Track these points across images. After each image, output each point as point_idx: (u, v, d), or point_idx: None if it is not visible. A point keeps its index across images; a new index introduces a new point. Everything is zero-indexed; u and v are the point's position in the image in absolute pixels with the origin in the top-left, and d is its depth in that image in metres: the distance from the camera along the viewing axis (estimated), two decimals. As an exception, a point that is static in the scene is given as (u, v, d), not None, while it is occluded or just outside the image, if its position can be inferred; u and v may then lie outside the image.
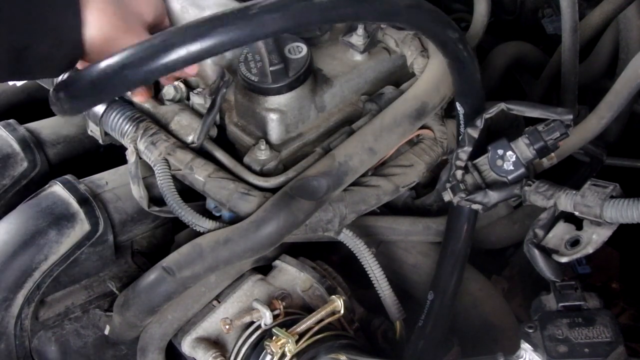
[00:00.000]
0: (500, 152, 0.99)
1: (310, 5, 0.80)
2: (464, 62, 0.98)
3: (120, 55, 0.81)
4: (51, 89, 0.89)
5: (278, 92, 1.12)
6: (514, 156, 0.98)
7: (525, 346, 0.89)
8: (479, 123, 1.01)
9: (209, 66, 1.23)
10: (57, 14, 0.86)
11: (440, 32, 0.93)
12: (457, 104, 1.04)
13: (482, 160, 1.02)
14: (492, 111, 1.00)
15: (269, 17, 0.79)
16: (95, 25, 0.92)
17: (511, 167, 0.99)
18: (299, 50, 1.14)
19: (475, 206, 1.00)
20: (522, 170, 0.98)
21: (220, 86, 1.12)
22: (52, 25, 0.86)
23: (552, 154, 1.00)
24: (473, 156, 1.03)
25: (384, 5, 0.86)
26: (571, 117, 0.95)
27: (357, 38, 1.22)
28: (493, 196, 0.98)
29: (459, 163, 1.03)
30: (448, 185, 1.03)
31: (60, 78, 0.95)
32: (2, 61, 0.83)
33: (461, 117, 1.05)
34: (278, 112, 1.13)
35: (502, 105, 0.99)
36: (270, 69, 1.10)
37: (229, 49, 0.83)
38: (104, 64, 0.82)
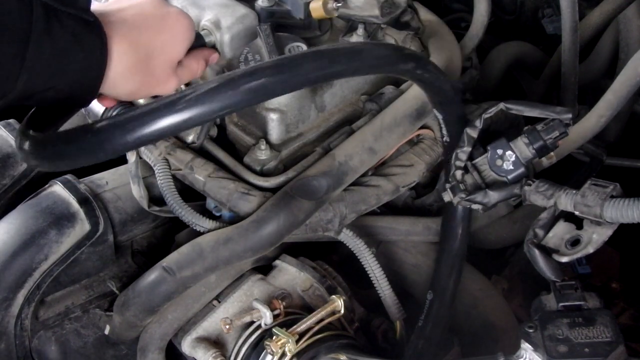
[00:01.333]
0: (499, 152, 0.99)
1: (265, 81, 0.83)
2: (428, 82, 1.00)
3: (101, 123, 0.82)
4: (20, 138, 0.88)
5: (278, 92, 1.12)
6: (514, 156, 0.98)
7: (525, 346, 0.89)
8: (478, 123, 1.01)
9: (209, 66, 1.23)
10: (82, 60, 0.81)
11: (395, 69, 0.96)
12: (435, 111, 1.06)
13: (482, 160, 1.02)
14: (491, 111, 1.00)
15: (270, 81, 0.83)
16: (115, 70, 0.87)
17: (511, 167, 0.99)
18: (299, 50, 1.14)
19: (475, 206, 1.00)
20: (521, 169, 0.98)
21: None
22: (74, 72, 0.81)
23: (552, 153, 1.00)
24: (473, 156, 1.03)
25: (334, 66, 0.87)
26: (570, 116, 0.95)
27: (357, 38, 1.22)
28: (493, 196, 0.98)
29: (458, 163, 1.03)
30: (448, 185, 1.03)
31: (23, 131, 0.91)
32: (11, 101, 0.79)
33: (441, 121, 1.07)
34: (278, 112, 1.13)
35: (501, 105, 0.99)
36: (271, 68, 1.10)
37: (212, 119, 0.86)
38: (83, 131, 0.82)
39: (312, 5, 1.18)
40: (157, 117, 0.80)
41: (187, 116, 0.80)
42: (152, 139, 0.81)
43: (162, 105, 0.81)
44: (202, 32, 1.19)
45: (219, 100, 0.81)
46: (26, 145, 0.86)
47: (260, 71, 0.82)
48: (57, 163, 0.86)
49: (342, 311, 1.07)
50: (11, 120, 1.38)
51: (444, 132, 1.09)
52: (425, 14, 1.32)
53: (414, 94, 1.17)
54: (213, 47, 1.21)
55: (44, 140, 0.86)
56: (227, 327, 1.05)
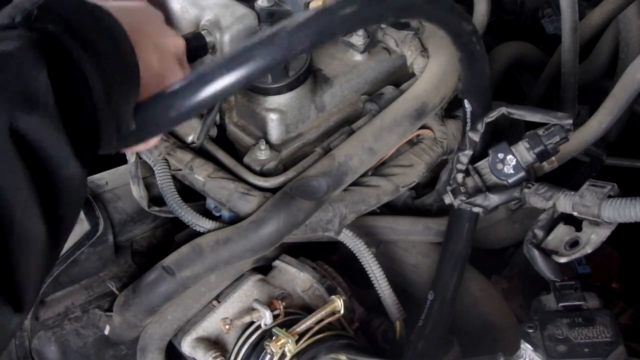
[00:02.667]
0: (500, 155, 0.99)
1: (333, 17, 0.81)
2: (476, 57, 0.98)
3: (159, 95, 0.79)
4: None
5: (278, 92, 1.12)
6: (515, 160, 0.98)
7: (525, 346, 0.89)
8: (480, 127, 1.01)
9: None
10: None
11: (456, 25, 0.94)
12: (465, 102, 1.04)
13: (483, 164, 1.02)
14: (493, 115, 1.00)
15: (297, 37, 0.80)
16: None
17: (511, 171, 0.99)
18: (299, 50, 1.14)
19: (475, 209, 1.00)
20: (522, 173, 0.98)
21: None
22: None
23: (553, 158, 1.01)
24: (474, 159, 1.03)
25: (402, 2, 0.87)
26: (571, 121, 0.95)
27: (357, 38, 1.22)
28: (493, 199, 0.98)
29: (459, 166, 1.03)
30: (449, 188, 1.03)
31: None
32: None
33: (468, 114, 1.05)
34: (278, 112, 1.13)
35: (503, 109, 0.99)
36: (270, 69, 1.10)
37: (262, 75, 0.82)
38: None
39: (311, 6, 1.18)
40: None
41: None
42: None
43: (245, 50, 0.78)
44: (202, 32, 1.19)
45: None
46: None
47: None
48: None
49: (342, 311, 1.08)
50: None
51: (468, 128, 1.06)
52: (425, 14, 1.32)
53: (414, 94, 1.17)
54: (213, 47, 1.21)
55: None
56: (227, 327, 1.05)
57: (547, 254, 0.90)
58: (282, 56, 0.80)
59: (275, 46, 0.79)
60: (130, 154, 1.16)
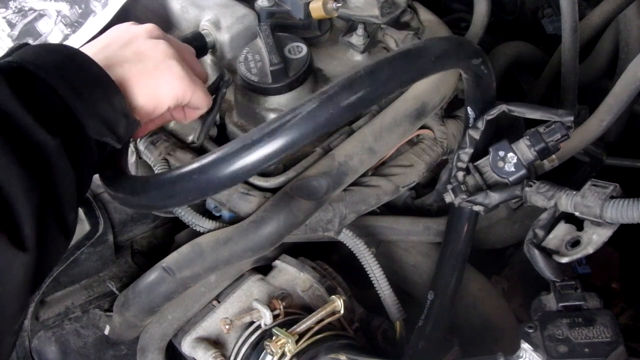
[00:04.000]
0: (501, 153, 0.99)
1: (365, 87, 0.84)
2: (483, 79, 1.00)
3: (190, 166, 0.84)
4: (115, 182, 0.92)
5: (278, 92, 1.12)
6: (515, 158, 0.98)
7: (525, 346, 0.89)
8: (481, 125, 1.01)
9: (209, 66, 1.23)
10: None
11: (466, 64, 0.97)
12: (468, 108, 1.05)
13: (484, 162, 1.02)
14: (494, 113, 1.00)
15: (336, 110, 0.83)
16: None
17: (512, 169, 0.99)
18: (298, 50, 1.14)
19: (476, 207, 1.00)
20: (523, 171, 0.98)
21: (220, 86, 1.12)
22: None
23: (554, 156, 1.00)
24: (474, 158, 1.03)
25: (412, 71, 0.89)
26: (572, 118, 0.95)
27: (357, 38, 1.22)
28: (494, 197, 0.98)
29: (460, 164, 1.03)
30: (449, 186, 1.03)
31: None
32: None
33: (471, 120, 1.06)
34: (278, 112, 1.13)
35: (503, 107, 0.99)
36: (270, 68, 1.10)
37: (303, 144, 0.85)
38: (176, 173, 0.85)
39: (312, 6, 1.18)
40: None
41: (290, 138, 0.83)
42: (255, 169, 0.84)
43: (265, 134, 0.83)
44: (202, 32, 1.19)
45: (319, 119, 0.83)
46: (128, 188, 0.90)
47: (357, 84, 0.84)
48: (165, 202, 0.89)
49: (342, 311, 1.08)
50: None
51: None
52: (425, 14, 1.32)
53: (414, 94, 1.17)
54: (213, 47, 1.21)
55: (151, 180, 0.89)
56: (227, 327, 1.05)
57: (548, 253, 0.90)
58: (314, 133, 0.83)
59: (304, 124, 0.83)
60: (130, 153, 1.16)
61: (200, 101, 0.99)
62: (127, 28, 0.97)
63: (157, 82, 0.91)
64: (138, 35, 0.95)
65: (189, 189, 0.85)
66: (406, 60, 0.88)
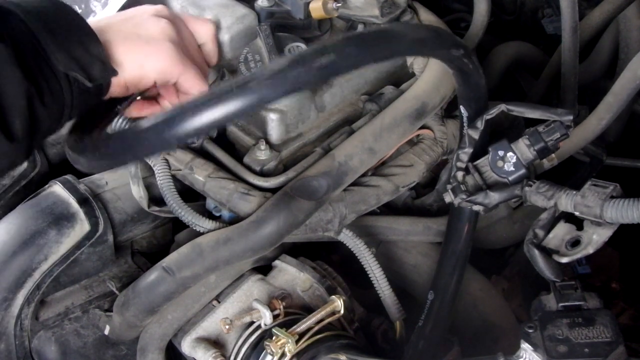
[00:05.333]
0: (500, 153, 0.99)
1: (309, 68, 0.80)
2: (469, 74, 0.99)
3: (150, 120, 0.81)
4: (69, 140, 0.91)
5: (278, 92, 1.12)
6: (515, 157, 0.98)
7: (525, 346, 0.89)
8: (480, 124, 1.01)
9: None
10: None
11: (446, 54, 0.95)
12: (461, 107, 1.05)
13: (483, 162, 1.02)
14: (493, 112, 1.00)
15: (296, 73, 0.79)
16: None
17: (512, 168, 0.99)
18: (298, 50, 1.14)
19: (476, 207, 1.00)
20: (522, 171, 0.98)
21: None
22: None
23: (553, 155, 1.00)
24: (474, 157, 1.03)
25: (386, 50, 0.87)
26: (571, 118, 0.95)
27: (357, 38, 1.22)
28: (494, 197, 0.98)
29: (459, 164, 1.03)
30: (449, 186, 1.03)
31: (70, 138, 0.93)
32: None
33: (464, 119, 1.06)
34: (278, 112, 1.13)
35: (503, 107, 0.99)
36: (271, 68, 1.10)
37: (272, 102, 0.83)
38: (134, 129, 0.83)
39: (312, 6, 1.18)
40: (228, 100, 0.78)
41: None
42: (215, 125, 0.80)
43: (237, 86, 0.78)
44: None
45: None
46: (79, 147, 0.89)
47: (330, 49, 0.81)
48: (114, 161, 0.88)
49: (342, 311, 1.08)
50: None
51: (465, 131, 1.08)
52: (425, 14, 1.32)
53: (414, 94, 1.17)
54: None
55: (104, 138, 0.87)
56: (227, 327, 1.05)
57: (548, 253, 0.90)
58: (251, 105, 0.78)
59: (247, 94, 0.78)
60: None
61: (191, 85, 1.00)
62: (139, 7, 1.01)
63: (145, 55, 0.94)
64: (144, 13, 0.99)
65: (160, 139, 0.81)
66: (383, 37, 0.86)
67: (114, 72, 0.90)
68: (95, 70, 0.87)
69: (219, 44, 1.19)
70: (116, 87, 0.93)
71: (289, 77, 0.78)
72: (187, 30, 1.06)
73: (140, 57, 0.94)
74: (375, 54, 0.85)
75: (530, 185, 0.95)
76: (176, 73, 0.97)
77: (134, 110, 1.05)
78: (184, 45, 1.02)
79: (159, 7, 1.02)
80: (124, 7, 1.27)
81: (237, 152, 1.17)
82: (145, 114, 1.06)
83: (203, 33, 1.09)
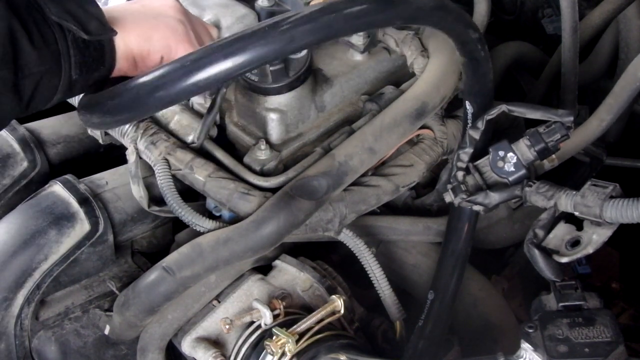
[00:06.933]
0: (501, 153, 0.99)
1: (338, 15, 0.81)
2: (480, 62, 0.99)
3: (152, 74, 0.83)
4: (81, 101, 0.92)
5: (278, 92, 1.12)
6: (515, 157, 0.98)
7: (525, 346, 0.89)
8: (481, 125, 1.01)
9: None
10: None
11: (462, 33, 0.95)
12: (467, 103, 1.04)
13: (483, 162, 1.02)
14: (494, 113, 1.00)
15: (299, 30, 0.80)
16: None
17: (512, 169, 0.99)
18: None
19: (476, 207, 1.00)
20: (523, 171, 0.98)
21: (220, 86, 1.12)
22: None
23: (553, 156, 1.01)
24: (474, 157, 1.03)
25: (409, 10, 0.87)
26: (572, 118, 0.95)
27: (357, 38, 1.22)
28: (494, 197, 0.98)
29: (460, 164, 1.03)
30: (449, 186, 1.03)
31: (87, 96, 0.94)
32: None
33: (469, 115, 1.05)
34: (278, 112, 1.13)
35: (503, 107, 0.99)
36: (271, 68, 1.10)
37: (260, 65, 0.83)
38: (136, 82, 0.84)
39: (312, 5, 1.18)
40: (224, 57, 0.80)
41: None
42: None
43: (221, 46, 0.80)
44: (202, 32, 1.19)
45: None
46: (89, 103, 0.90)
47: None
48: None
49: (342, 311, 1.08)
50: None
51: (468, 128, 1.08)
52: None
53: (414, 94, 1.17)
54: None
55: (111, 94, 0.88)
56: (227, 327, 1.05)
57: (548, 253, 0.90)
58: (280, 50, 0.79)
59: (273, 39, 0.78)
60: (130, 153, 1.16)
61: None
62: None
63: (152, 27, 0.95)
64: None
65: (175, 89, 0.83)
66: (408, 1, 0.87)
67: (113, 32, 0.90)
68: (92, 26, 0.87)
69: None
70: (124, 61, 0.93)
71: (319, 24, 0.79)
72: (196, 18, 1.07)
73: (147, 29, 0.95)
74: (400, 13, 0.86)
75: (531, 186, 0.95)
76: (182, 50, 0.97)
77: None
78: (193, 27, 1.02)
79: None
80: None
81: (237, 152, 1.18)
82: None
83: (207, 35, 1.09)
